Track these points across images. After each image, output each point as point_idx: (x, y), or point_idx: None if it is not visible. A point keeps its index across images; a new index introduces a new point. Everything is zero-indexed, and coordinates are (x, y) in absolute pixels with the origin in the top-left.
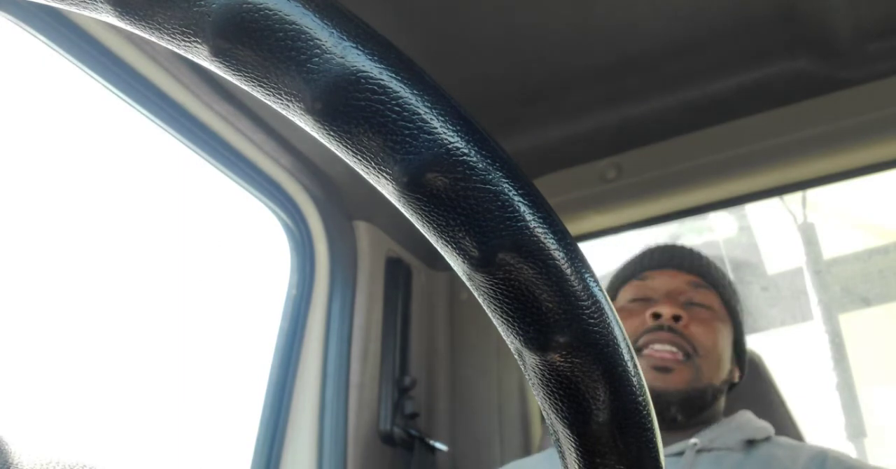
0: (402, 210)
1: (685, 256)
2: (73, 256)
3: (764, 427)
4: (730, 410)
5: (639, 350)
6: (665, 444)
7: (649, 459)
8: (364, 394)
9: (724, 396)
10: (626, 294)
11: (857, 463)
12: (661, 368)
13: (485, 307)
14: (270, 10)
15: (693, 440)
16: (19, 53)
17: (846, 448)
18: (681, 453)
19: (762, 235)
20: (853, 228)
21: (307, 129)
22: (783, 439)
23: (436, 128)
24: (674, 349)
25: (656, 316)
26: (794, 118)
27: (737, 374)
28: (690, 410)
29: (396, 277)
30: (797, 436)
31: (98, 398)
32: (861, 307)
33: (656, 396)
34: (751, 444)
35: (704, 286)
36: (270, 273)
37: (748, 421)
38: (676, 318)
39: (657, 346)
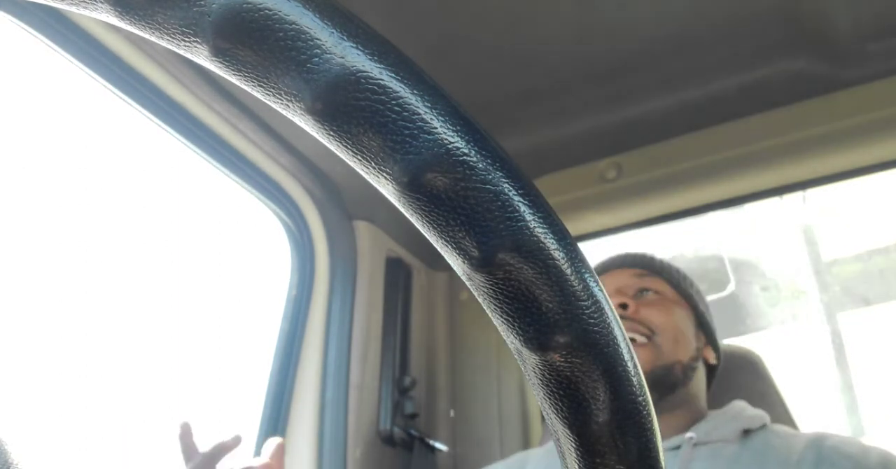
0: (402, 210)
1: (630, 256)
2: (75, 256)
3: (759, 415)
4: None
5: None
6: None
7: (649, 459)
8: (364, 394)
9: (697, 376)
10: None
11: (855, 445)
12: None
13: (485, 307)
14: (270, 10)
15: (689, 434)
16: (19, 53)
17: None
18: (677, 447)
19: (762, 235)
20: (853, 228)
21: (307, 129)
22: (779, 427)
23: (436, 128)
24: (630, 335)
25: None
26: (794, 118)
27: (711, 356)
28: (661, 389)
29: (396, 277)
30: None
31: (98, 398)
32: (861, 307)
33: None
34: (747, 433)
35: (650, 275)
36: (270, 273)
37: (742, 410)
38: (624, 306)
39: None
